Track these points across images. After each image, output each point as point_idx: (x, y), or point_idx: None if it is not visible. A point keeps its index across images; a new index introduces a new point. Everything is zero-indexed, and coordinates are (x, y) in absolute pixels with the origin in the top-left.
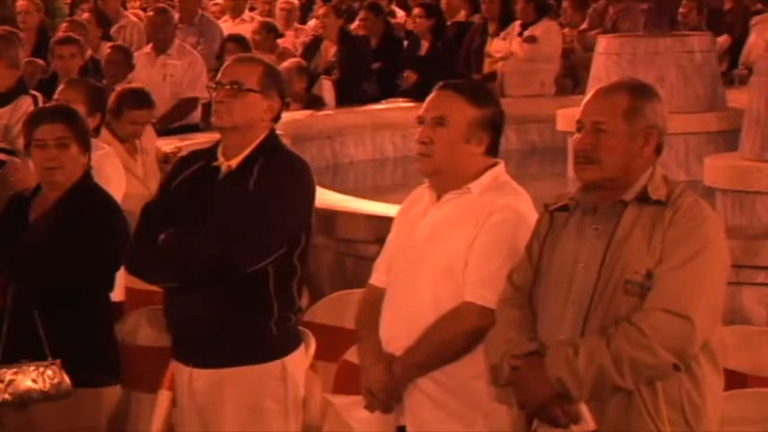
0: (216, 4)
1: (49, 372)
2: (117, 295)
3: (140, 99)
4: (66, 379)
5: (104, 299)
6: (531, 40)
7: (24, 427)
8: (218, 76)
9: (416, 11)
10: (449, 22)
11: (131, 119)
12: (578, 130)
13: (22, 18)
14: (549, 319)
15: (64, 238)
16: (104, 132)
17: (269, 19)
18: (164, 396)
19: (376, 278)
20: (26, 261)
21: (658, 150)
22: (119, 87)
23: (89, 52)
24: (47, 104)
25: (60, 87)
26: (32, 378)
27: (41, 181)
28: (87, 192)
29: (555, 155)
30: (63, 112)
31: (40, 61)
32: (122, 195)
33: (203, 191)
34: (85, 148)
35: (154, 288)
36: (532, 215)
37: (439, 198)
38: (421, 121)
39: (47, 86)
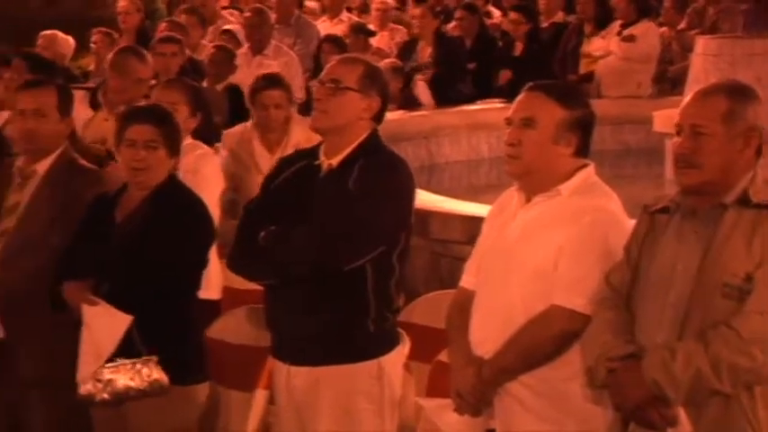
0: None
1: (145, 369)
2: (214, 294)
3: None
4: (163, 376)
5: (192, 297)
6: (630, 38)
7: (116, 423)
8: (321, 74)
9: (513, 15)
10: (546, 23)
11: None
12: (678, 133)
13: (122, 18)
14: (646, 321)
15: (151, 237)
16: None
17: (360, 20)
18: (260, 395)
19: (466, 280)
20: (115, 261)
21: (759, 152)
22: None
23: (188, 53)
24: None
25: (158, 88)
26: (130, 376)
27: (127, 179)
28: (173, 192)
29: (650, 156)
30: (156, 114)
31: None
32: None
33: (304, 189)
34: (174, 152)
35: (250, 286)
36: (623, 217)
37: (528, 200)
38: (509, 122)
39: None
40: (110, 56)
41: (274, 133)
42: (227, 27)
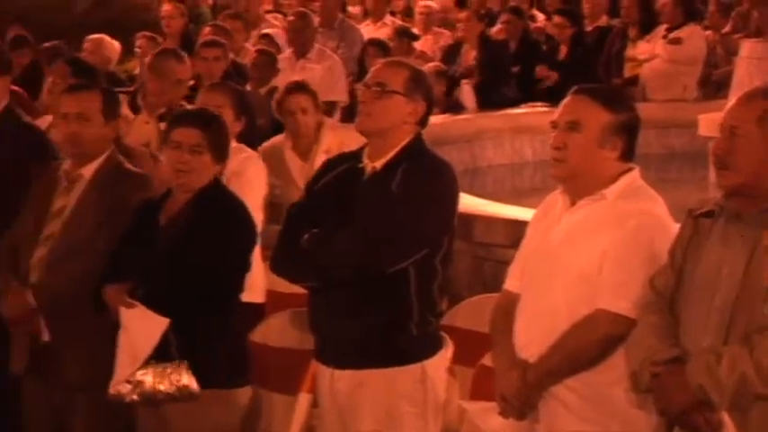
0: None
1: (174, 374)
2: (257, 297)
3: None
4: (193, 382)
5: (235, 301)
6: (676, 41)
7: (158, 425)
8: (366, 78)
9: (557, 19)
10: (590, 27)
11: None
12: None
13: (166, 23)
14: (691, 325)
15: (193, 241)
16: None
17: (404, 24)
18: (303, 398)
19: (510, 283)
20: (158, 265)
21: None
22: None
23: (231, 57)
24: (190, 107)
25: (203, 91)
26: (159, 380)
27: (171, 181)
28: (216, 195)
29: (695, 160)
30: (203, 118)
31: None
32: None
33: (347, 192)
34: (219, 157)
35: (294, 290)
36: (668, 221)
37: (573, 203)
38: (555, 125)
39: (191, 89)
40: (148, 59)
41: (305, 139)
42: (265, 31)
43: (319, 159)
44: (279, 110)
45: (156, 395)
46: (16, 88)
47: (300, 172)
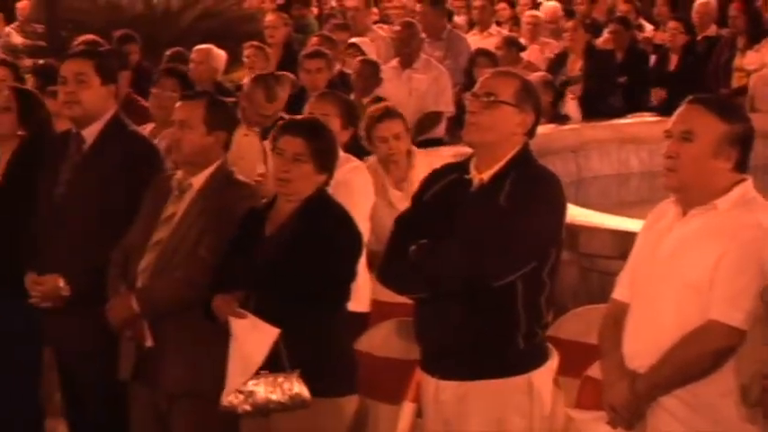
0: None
1: (286, 383)
2: (362, 306)
3: None
4: (305, 390)
5: (340, 310)
6: None
7: None
8: (475, 87)
9: (672, 24)
10: (699, 37)
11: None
12: None
13: (269, 33)
14: None
15: (299, 251)
16: None
17: (512, 34)
18: (408, 408)
19: (619, 293)
20: (264, 274)
21: None
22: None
23: (338, 66)
24: (298, 116)
25: (311, 100)
26: (271, 389)
27: (274, 189)
28: (321, 205)
29: None
30: (309, 128)
31: (290, 75)
32: (371, 208)
33: (454, 203)
34: (323, 168)
35: (399, 299)
36: None
37: (685, 213)
38: (668, 135)
39: (295, 100)
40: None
41: (396, 165)
42: (352, 40)
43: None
44: (368, 137)
45: (268, 405)
46: (134, 96)
47: (399, 201)
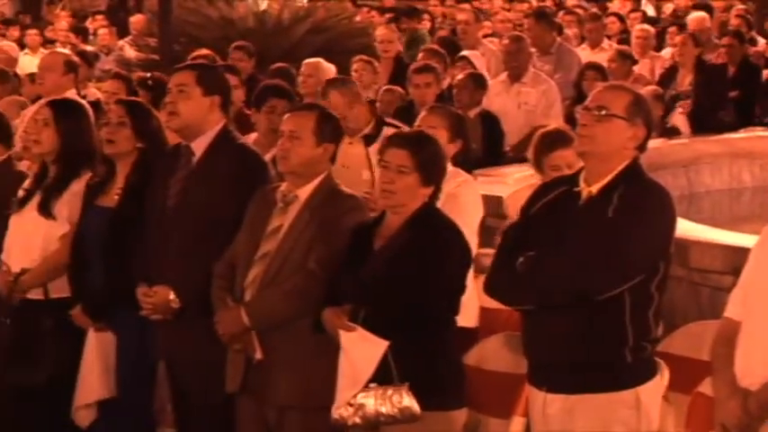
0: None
1: (396, 396)
2: (470, 322)
3: None
4: (414, 403)
5: (450, 323)
6: None
7: None
8: (587, 101)
9: None
10: None
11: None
12: None
13: (384, 47)
14: None
15: (407, 264)
16: None
17: (625, 47)
18: (517, 422)
19: (732, 311)
20: (373, 288)
21: None
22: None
23: (447, 80)
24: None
25: (421, 115)
26: (380, 402)
27: (379, 201)
28: (429, 219)
29: None
30: (414, 141)
31: (399, 89)
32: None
33: (563, 216)
34: (428, 179)
35: (503, 306)
36: None
37: None
38: None
39: (404, 114)
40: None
41: None
42: (463, 53)
43: None
44: (536, 163)
45: (378, 417)
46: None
47: None
